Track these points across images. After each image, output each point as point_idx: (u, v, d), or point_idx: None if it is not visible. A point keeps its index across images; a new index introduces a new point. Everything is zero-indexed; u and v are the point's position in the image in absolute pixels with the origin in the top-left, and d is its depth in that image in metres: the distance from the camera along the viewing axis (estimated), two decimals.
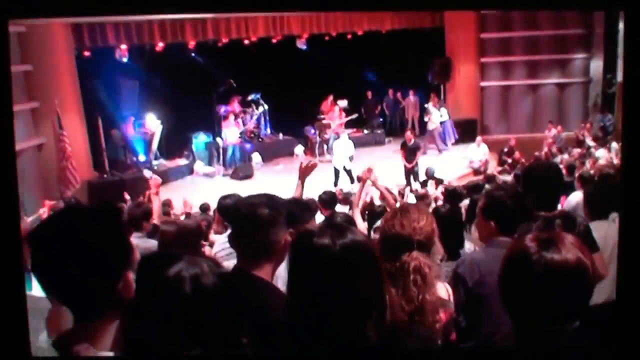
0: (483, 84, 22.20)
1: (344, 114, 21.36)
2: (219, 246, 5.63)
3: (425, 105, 21.04)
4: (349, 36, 21.46)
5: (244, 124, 21.06)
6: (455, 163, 19.16)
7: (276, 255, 2.92)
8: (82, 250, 1.83)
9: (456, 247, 4.69)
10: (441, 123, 20.93)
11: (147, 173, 15.96)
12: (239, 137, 20.40)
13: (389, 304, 2.01)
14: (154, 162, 18.84)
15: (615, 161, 15.03)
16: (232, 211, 3.04)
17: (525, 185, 4.60)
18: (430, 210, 6.45)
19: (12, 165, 1.76)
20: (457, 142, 21.33)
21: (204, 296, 1.79)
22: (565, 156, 16.66)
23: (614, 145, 16.46)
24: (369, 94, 23.37)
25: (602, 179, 6.86)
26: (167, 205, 12.22)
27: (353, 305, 1.90)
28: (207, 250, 6.57)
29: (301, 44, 21.25)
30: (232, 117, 19.80)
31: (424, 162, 17.11)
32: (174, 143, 20.35)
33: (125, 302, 1.88)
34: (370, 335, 1.93)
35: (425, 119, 20.78)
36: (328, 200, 8.59)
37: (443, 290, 3.24)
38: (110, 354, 1.86)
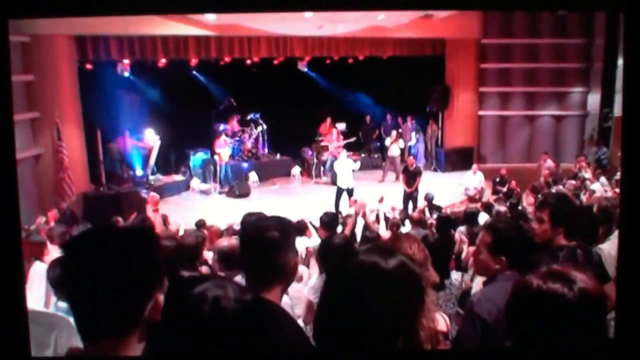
0: (481, 112, 22.29)
1: (341, 137, 21.43)
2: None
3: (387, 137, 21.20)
4: (350, 60, 21.56)
5: (243, 143, 21.11)
6: (451, 190, 19.18)
7: (285, 278, 2.92)
8: (116, 268, 1.84)
9: (442, 277, 4.70)
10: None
11: (143, 193, 16.03)
12: (234, 156, 20.50)
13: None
14: (151, 177, 18.87)
15: (608, 194, 15.12)
16: (241, 233, 3.04)
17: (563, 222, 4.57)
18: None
19: (12, 166, 1.77)
20: (453, 169, 21.38)
21: (223, 318, 1.80)
22: (560, 187, 16.70)
23: (603, 179, 16.55)
24: (368, 118, 23.49)
25: (602, 210, 6.91)
26: (163, 221, 12.26)
27: (379, 326, 1.87)
28: (203, 269, 6.55)
29: (302, 66, 21.39)
30: (223, 136, 19.83)
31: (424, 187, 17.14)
32: (172, 159, 20.43)
33: (152, 323, 1.89)
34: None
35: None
36: (328, 222, 8.57)
37: (442, 321, 3.24)
38: None
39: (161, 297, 1.92)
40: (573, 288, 1.97)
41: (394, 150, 20.69)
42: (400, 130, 22.11)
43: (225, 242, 5.33)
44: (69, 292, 1.90)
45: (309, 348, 2.70)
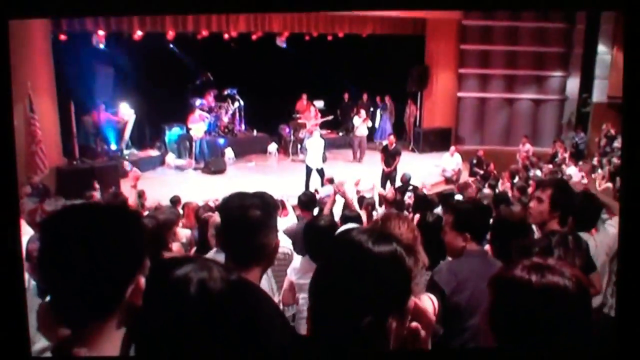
0: (460, 94, 22.32)
1: (319, 115, 21.28)
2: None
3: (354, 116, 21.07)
4: (330, 37, 21.37)
5: (219, 118, 20.91)
6: (428, 171, 19.14)
7: (265, 259, 2.84)
8: (97, 248, 1.77)
9: (439, 257, 4.67)
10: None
11: (127, 165, 15.81)
12: (210, 132, 20.34)
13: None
14: (125, 152, 18.61)
15: (584, 180, 15.21)
16: (222, 211, 2.93)
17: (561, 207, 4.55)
18: (417, 219, 6.46)
19: (11, 163, 1.79)
20: (431, 150, 21.34)
21: (209, 300, 1.74)
22: (538, 172, 16.76)
23: (572, 169, 16.68)
24: (346, 96, 23.37)
25: (586, 194, 6.88)
26: (140, 196, 12.07)
27: (369, 308, 1.81)
28: (174, 246, 6.45)
29: (281, 42, 21.13)
30: (197, 111, 19.56)
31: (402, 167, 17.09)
32: (147, 133, 20.21)
33: (133, 307, 1.83)
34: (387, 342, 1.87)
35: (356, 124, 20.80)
36: (307, 201, 8.48)
37: (428, 302, 3.17)
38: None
39: (142, 280, 1.84)
40: (572, 279, 1.91)
41: (362, 130, 20.55)
42: (371, 110, 22.07)
43: (219, 218, 5.23)
44: (45, 274, 1.81)
45: (289, 330, 2.74)
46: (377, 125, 22.66)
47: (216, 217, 5.32)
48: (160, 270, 1.80)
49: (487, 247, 4.52)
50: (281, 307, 5.04)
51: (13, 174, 1.77)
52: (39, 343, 2.73)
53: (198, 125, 19.32)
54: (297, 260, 4.78)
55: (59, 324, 1.77)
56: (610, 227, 5.48)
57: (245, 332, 1.85)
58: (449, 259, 4.95)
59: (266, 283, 3.77)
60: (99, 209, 1.96)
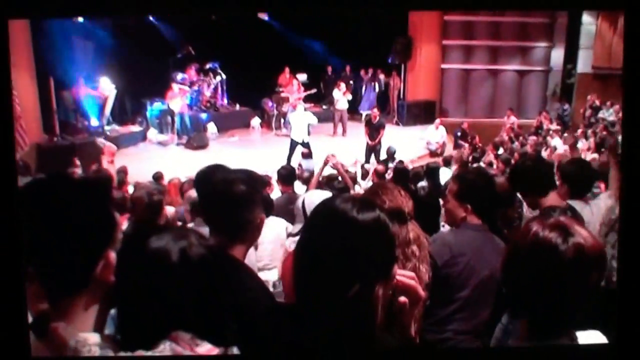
0: (444, 66, 22.25)
1: (302, 88, 21.09)
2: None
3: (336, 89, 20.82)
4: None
5: (201, 93, 20.71)
6: (412, 144, 19.07)
7: (250, 235, 2.82)
8: (64, 220, 1.73)
9: (432, 230, 4.61)
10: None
11: (100, 142, 15.60)
12: (192, 107, 20.15)
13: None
14: (107, 127, 18.35)
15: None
16: (207, 186, 2.88)
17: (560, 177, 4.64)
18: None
19: (11, 162, 1.71)
20: (415, 123, 21.23)
21: (192, 268, 1.76)
22: (518, 145, 16.76)
23: (557, 140, 16.67)
24: (329, 69, 23.20)
25: (578, 162, 6.86)
26: (122, 172, 11.93)
27: (355, 278, 1.78)
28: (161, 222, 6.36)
29: (263, 15, 20.87)
30: (176, 86, 19.24)
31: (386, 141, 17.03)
32: (128, 109, 20.00)
33: (105, 282, 1.79)
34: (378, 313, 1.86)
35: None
36: (287, 175, 8.37)
37: (423, 271, 3.13)
38: (96, 335, 1.74)
39: (113, 255, 1.81)
40: (568, 241, 1.93)
41: (343, 103, 20.35)
42: (351, 83, 21.94)
43: (194, 192, 5.20)
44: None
45: (272, 302, 2.76)
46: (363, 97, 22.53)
47: (192, 192, 5.31)
48: (133, 243, 1.82)
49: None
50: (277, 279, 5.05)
51: (13, 172, 1.71)
52: None
53: (176, 101, 19.03)
54: (297, 228, 4.68)
55: (38, 298, 1.73)
56: (601, 200, 5.44)
57: (225, 299, 1.86)
58: (446, 227, 4.90)
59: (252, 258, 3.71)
60: (66, 180, 1.94)
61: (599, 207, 4.73)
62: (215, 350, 1.74)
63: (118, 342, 1.75)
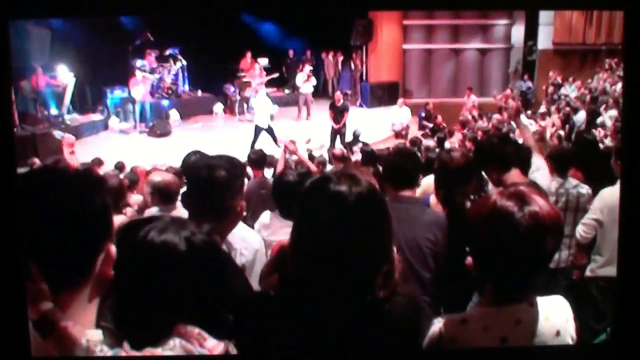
0: (405, 46, 22.26)
1: (264, 73, 20.93)
2: None
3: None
4: None
5: (162, 80, 20.47)
6: (377, 126, 19.06)
7: (229, 221, 2.84)
8: (62, 212, 1.65)
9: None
10: None
11: (57, 134, 15.35)
12: (153, 94, 19.92)
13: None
14: (67, 117, 18.06)
15: (534, 128, 15.29)
16: (189, 170, 2.85)
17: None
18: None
19: (11, 162, 1.69)
20: (379, 104, 21.20)
21: (197, 256, 1.76)
22: (485, 123, 16.83)
23: (523, 118, 16.76)
24: (291, 53, 23.10)
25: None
26: (98, 164, 11.70)
27: (364, 257, 1.83)
28: (128, 211, 6.29)
29: None
30: (138, 73, 19.00)
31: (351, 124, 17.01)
32: (88, 97, 19.70)
33: (106, 276, 1.74)
34: (379, 294, 1.89)
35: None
36: (257, 160, 8.33)
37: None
38: (98, 332, 1.69)
39: (113, 248, 1.75)
40: (524, 209, 2.01)
41: (307, 87, 20.33)
42: (312, 67, 21.88)
43: (158, 176, 5.25)
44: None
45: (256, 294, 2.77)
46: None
47: (154, 176, 5.26)
48: (129, 234, 1.79)
49: (432, 196, 4.53)
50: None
51: (13, 172, 1.68)
52: None
53: (139, 88, 18.80)
54: (266, 216, 4.63)
55: (41, 297, 1.65)
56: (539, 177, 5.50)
57: (223, 287, 1.86)
58: None
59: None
60: (58, 172, 1.82)
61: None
62: (220, 346, 1.73)
63: (119, 337, 1.72)
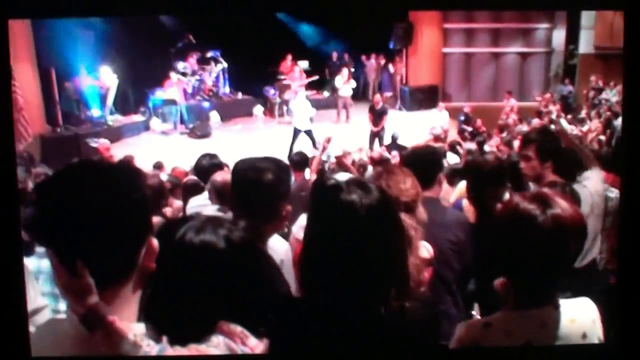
0: (445, 50, 22.12)
1: (304, 75, 21.01)
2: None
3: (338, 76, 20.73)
4: None
5: (203, 82, 20.70)
6: (416, 129, 18.99)
7: (274, 224, 2.89)
8: (103, 208, 1.63)
9: None
10: None
11: (92, 142, 15.58)
12: (194, 96, 20.19)
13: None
14: (109, 118, 18.33)
15: (575, 132, 15.12)
16: (237, 174, 2.90)
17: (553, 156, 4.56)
18: None
19: (11, 162, 1.71)
20: (418, 108, 21.15)
21: (236, 254, 1.79)
22: (525, 127, 16.67)
23: (563, 121, 16.56)
24: (335, 56, 23.00)
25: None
26: (157, 167, 11.92)
27: (374, 267, 1.82)
28: (167, 212, 6.35)
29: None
30: (173, 75, 19.20)
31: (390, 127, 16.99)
32: (130, 98, 19.96)
33: (148, 269, 1.74)
34: (394, 307, 1.89)
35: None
36: (299, 161, 8.39)
37: (424, 250, 3.14)
38: (141, 325, 1.70)
39: (155, 241, 1.75)
40: (546, 212, 2.01)
41: (346, 90, 20.28)
42: (352, 70, 21.89)
43: (219, 176, 5.30)
44: (49, 238, 1.67)
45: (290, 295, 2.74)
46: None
47: (216, 176, 5.32)
48: (170, 231, 1.83)
49: (465, 200, 4.52)
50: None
51: (13, 172, 1.70)
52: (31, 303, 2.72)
53: (171, 90, 19.03)
54: (304, 218, 4.65)
55: (86, 291, 1.66)
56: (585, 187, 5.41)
57: (260, 286, 1.91)
58: None
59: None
60: (98, 166, 1.82)
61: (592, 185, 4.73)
62: (261, 345, 1.75)
63: (161, 333, 1.74)
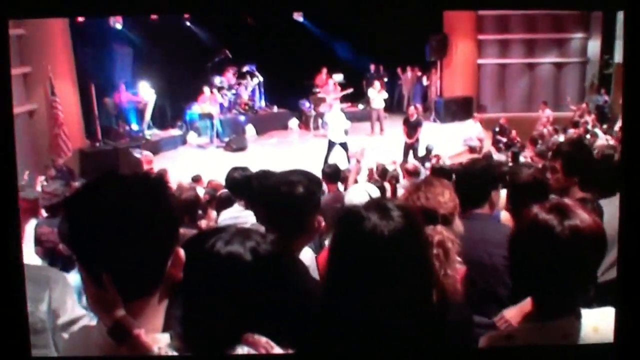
0: (480, 61, 22.01)
1: (339, 88, 21.08)
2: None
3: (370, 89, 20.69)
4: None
5: (239, 96, 20.91)
6: (451, 141, 18.95)
7: (306, 236, 2.91)
8: (132, 219, 1.67)
9: None
10: None
11: (136, 152, 15.85)
12: (232, 109, 20.39)
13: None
14: (147, 132, 18.63)
15: (611, 142, 14.98)
16: (268, 187, 2.97)
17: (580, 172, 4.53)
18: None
19: (12, 164, 1.70)
20: (452, 119, 21.10)
21: (263, 266, 1.79)
22: (561, 137, 16.54)
23: (598, 131, 16.40)
24: (372, 67, 23.03)
25: (605, 157, 6.76)
26: (162, 175, 12.12)
27: (399, 287, 1.85)
28: (203, 223, 6.47)
29: (298, 16, 20.97)
30: (206, 89, 19.34)
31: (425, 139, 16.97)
32: (168, 113, 20.24)
33: (175, 279, 1.77)
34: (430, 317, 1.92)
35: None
36: (332, 174, 8.44)
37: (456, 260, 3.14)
38: (166, 335, 1.74)
39: (181, 251, 1.78)
40: (564, 223, 2.00)
41: (379, 102, 20.27)
42: (385, 81, 21.95)
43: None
44: (80, 251, 1.73)
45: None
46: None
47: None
48: (200, 242, 1.83)
49: (503, 212, 4.43)
50: None
51: (13, 174, 1.71)
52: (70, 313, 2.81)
53: (207, 105, 19.22)
54: None
55: (113, 304, 1.70)
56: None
57: (292, 297, 1.86)
58: None
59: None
60: (125, 179, 1.85)
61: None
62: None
63: (187, 343, 1.76)
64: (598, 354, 2.04)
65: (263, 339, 1.74)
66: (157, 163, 14.95)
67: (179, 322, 1.77)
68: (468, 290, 3.46)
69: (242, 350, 1.71)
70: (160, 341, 1.70)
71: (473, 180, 3.97)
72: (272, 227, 2.80)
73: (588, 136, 15.14)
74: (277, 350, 1.75)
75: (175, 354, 1.70)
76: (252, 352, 1.72)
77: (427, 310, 1.94)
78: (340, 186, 9.22)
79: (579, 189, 4.39)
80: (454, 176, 8.92)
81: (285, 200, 2.79)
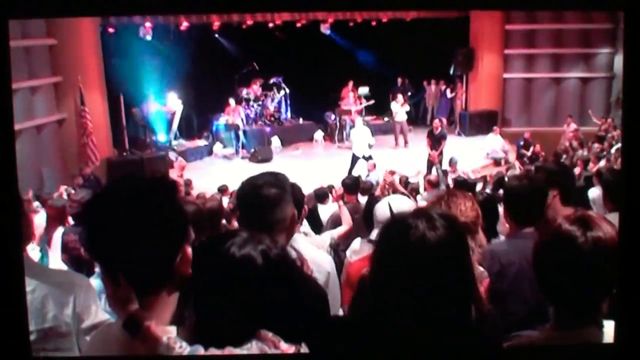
0: (506, 75, 21.94)
1: (359, 101, 21.21)
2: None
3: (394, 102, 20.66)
4: (374, 23, 21.24)
5: (265, 107, 21.09)
6: (475, 154, 19.00)
7: (283, 232, 2.93)
8: (142, 221, 1.84)
9: (490, 237, 4.50)
10: None
11: (172, 155, 16.05)
12: (256, 121, 20.58)
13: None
14: (174, 142, 18.87)
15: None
16: (237, 192, 3.06)
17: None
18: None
19: (12, 165, 1.74)
20: (477, 133, 21.10)
21: (274, 268, 1.88)
22: (586, 152, 16.48)
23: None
24: (400, 81, 23.09)
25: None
26: (187, 185, 12.31)
27: (443, 298, 1.85)
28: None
29: (325, 29, 21.11)
30: (232, 101, 19.47)
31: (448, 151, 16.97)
32: (194, 123, 20.47)
33: (183, 276, 1.91)
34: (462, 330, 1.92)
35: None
36: (351, 184, 8.55)
37: (478, 270, 3.15)
38: (172, 328, 1.86)
39: (189, 250, 1.93)
40: (587, 234, 2.03)
41: (401, 115, 20.27)
42: (409, 94, 22.02)
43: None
44: (97, 251, 1.91)
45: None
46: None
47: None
48: (212, 245, 1.94)
49: None
50: None
51: (13, 172, 1.75)
52: (94, 318, 2.88)
53: (229, 117, 19.37)
54: (356, 242, 4.74)
55: (127, 299, 1.85)
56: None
57: (298, 296, 1.97)
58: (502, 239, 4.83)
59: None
60: (137, 182, 2.02)
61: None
62: (292, 348, 1.85)
63: (198, 337, 1.85)
64: (598, 354, 2.05)
65: (270, 334, 1.82)
66: (184, 173, 15.14)
67: (193, 318, 1.88)
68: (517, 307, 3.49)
69: (251, 344, 1.80)
70: (169, 332, 1.82)
71: (523, 199, 3.79)
72: (248, 230, 2.92)
73: (613, 151, 15.05)
74: (284, 343, 1.83)
75: (184, 343, 1.78)
76: (263, 346, 1.80)
77: (466, 320, 1.97)
78: (361, 197, 9.32)
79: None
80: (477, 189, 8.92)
81: (253, 203, 2.86)
